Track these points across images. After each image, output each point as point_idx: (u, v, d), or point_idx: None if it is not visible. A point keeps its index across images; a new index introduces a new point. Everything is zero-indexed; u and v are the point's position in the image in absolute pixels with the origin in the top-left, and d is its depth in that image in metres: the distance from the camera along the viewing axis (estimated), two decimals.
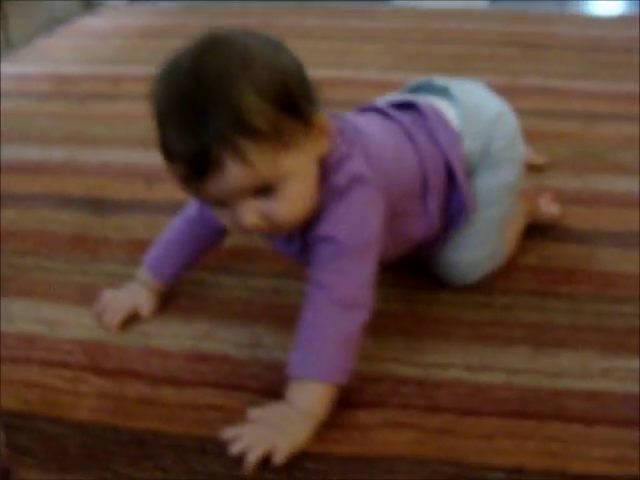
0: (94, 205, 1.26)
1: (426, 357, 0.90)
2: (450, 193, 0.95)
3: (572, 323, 0.95)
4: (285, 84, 0.74)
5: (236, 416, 0.81)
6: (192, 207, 0.97)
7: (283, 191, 0.76)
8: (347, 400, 0.83)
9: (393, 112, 0.96)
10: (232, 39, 0.75)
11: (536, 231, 1.13)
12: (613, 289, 1.01)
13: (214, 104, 0.70)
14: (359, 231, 0.81)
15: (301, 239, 0.86)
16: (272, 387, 0.85)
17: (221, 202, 0.77)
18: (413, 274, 1.05)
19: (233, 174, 0.72)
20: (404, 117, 0.95)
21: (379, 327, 0.93)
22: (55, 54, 2.11)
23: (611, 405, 0.83)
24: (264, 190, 0.75)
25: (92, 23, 2.42)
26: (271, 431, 0.76)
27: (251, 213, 0.76)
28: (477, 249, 0.98)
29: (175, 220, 1.00)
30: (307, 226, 0.83)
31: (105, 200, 1.28)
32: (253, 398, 0.84)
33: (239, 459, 0.75)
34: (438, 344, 0.92)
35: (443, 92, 1.00)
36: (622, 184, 1.28)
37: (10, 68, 2.00)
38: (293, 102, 0.74)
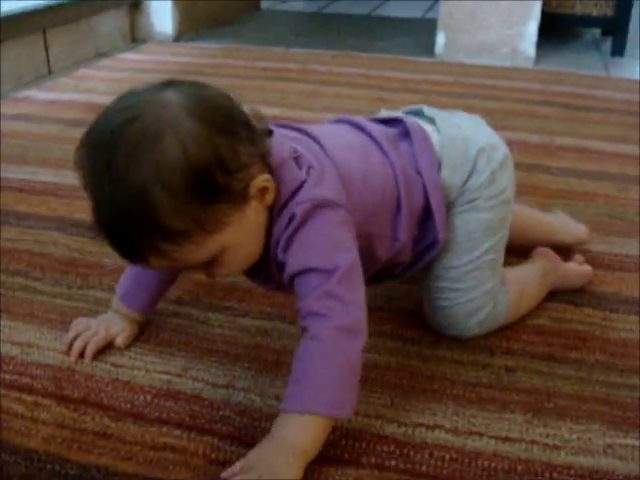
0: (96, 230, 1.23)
1: (411, 416, 0.82)
2: (425, 223, 0.89)
3: (577, 392, 0.87)
4: (203, 170, 0.68)
5: (195, 460, 0.75)
6: None
7: (221, 260, 0.75)
8: (319, 455, 0.76)
9: (370, 125, 0.90)
10: (145, 137, 0.67)
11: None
12: (626, 359, 0.92)
13: (132, 220, 0.68)
14: (334, 254, 0.75)
15: (264, 270, 0.82)
16: (240, 433, 0.79)
17: None
18: (415, 327, 0.98)
19: (158, 265, 0.73)
20: (385, 131, 0.90)
21: (367, 380, 0.88)
22: (92, 84, 2.13)
23: None
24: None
25: (134, 58, 2.45)
26: None
27: (192, 273, 0.79)
28: (465, 294, 0.91)
29: None
30: (266, 254, 0.79)
31: None
32: (218, 443, 0.78)
33: None
34: (427, 403, 0.85)
35: (429, 122, 0.94)
36: None
37: (45, 94, 2.03)
38: (216, 184, 0.69)
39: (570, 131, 1.79)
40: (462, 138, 0.91)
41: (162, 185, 0.66)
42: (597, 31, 2.94)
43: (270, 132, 0.79)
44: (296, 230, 0.76)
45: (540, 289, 1.02)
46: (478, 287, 0.92)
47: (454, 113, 0.99)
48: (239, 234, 0.74)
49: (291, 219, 0.76)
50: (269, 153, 0.76)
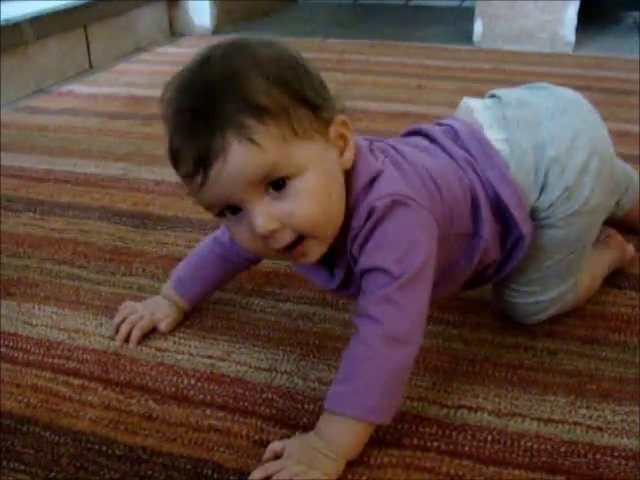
0: (138, 219, 1.25)
1: (453, 398, 0.83)
2: (505, 218, 0.84)
3: (621, 375, 0.86)
4: (296, 76, 0.70)
5: (239, 441, 0.76)
6: (224, 232, 0.92)
7: (299, 186, 0.69)
8: None
9: (428, 128, 0.88)
10: (240, 45, 0.71)
11: None
12: None
13: (219, 92, 0.67)
14: (408, 258, 0.72)
15: (342, 270, 0.79)
16: (284, 415, 0.80)
17: (232, 207, 0.71)
18: (457, 311, 0.98)
19: (239, 156, 0.66)
20: (442, 131, 0.88)
21: None
22: (132, 78, 2.16)
23: None
24: (277, 186, 0.69)
25: (173, 52, 2.47)
26: (302, 468, 0.70)
27: (266, 216, 0.68)
28: (530, 296, 0.91)
29: (206, 240, 0.96)
30: (343, 252, 0.76)
31: (150, 215, 1.27)
32: (262, 425, 0.79)
33: None
34: (469, 385, 0.85)
35: (499, 115, 0.87)
36: None
37: (87, 88, 2.07)
38: (304, 93, 0.69)
39: (611, 116, 1.75)
40: (534, 146, 0.84)
41: (258, 69, 0.68)
42: (638, 14, 2.88)
43: None
44: (375, 225, 0.73)
45: (603, 275, 1.02)
46: (544, 292, 0.91)
47: (538, 100, 0.90)
48: (318, 162, 0.70)
49: (370, 213, 0.73)
50: None
